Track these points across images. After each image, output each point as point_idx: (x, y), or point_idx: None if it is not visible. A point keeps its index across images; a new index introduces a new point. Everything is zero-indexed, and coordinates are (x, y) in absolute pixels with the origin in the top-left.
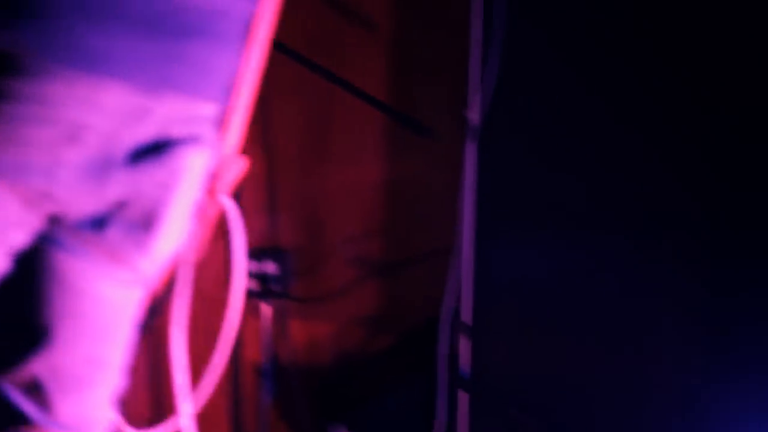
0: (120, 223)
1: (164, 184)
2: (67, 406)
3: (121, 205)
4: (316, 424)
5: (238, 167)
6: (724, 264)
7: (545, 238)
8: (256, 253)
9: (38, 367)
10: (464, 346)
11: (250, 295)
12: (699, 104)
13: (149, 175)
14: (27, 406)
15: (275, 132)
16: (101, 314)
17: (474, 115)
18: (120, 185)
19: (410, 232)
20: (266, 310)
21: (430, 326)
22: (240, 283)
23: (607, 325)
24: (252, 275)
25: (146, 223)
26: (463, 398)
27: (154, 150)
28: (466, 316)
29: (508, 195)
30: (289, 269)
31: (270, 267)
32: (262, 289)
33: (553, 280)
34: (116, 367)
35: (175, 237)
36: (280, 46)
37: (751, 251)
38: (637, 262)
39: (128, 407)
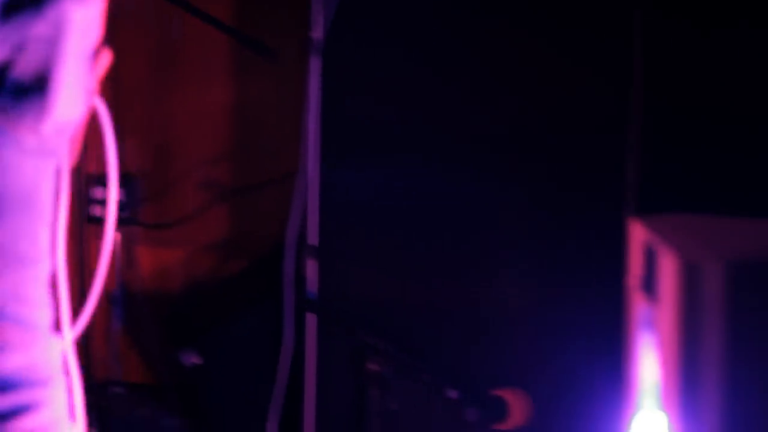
0: (10, 86)
1: (49, 39)
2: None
3: (5, 65)
4: (166, 350)
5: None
6: (555, 195)
7: (389, 160)
8: (102, 179)
9: None
10: (311, 269)
11: (97, 221)
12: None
13: (30, 30)
14: None
15: (120, 57)
16: (17, 186)
17: (317, 36)
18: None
19: (259, 156)
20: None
21: (278, 250)
22: (114, 195)
23: (449, 248)
24: (98, 202)
25: (38, 83)
26: (310, 321)
27: (31, 2)
28: (313, 238)
29: (352, 117)
30: (136, 195)
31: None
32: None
33: (398, 202)
34: (44, 244)
35: (73, 98)
36: None
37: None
38: (478, 187)
39: None
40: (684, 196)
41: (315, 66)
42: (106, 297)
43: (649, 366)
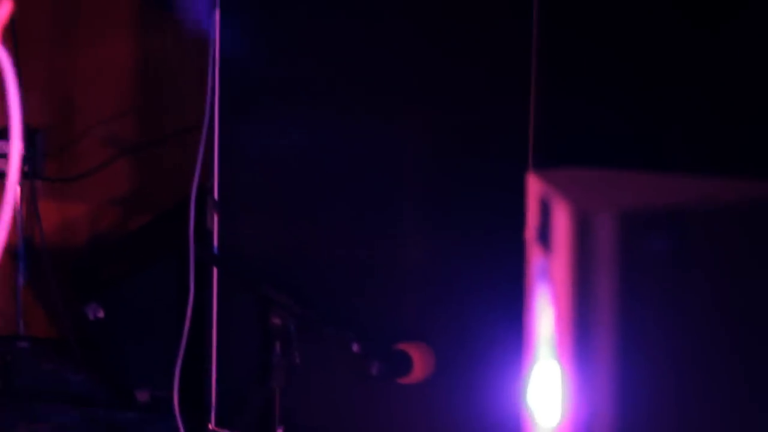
0: None
1: None
2: None
3: None
4: (70, 304)
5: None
6: (457, 147)
7: (290, 112)
8: (3, 132)
9: None
10: (214, 223)
11: (2, 176)
12: None
13: None
14: None
15: (22, 8)
16: None
17: None
18: None
19: (162, 110)
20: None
21: (182, 205)
22: (17, 148)
23: (350, 201)
24: (0, 155)
25: None
26: (213, 275)
27: None
28: (215, 192)
29: (254, 69)
30: (39, 149)
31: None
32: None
33: (299, 154)
34: None
35: None
36: None
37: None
38: (377, 139)
39: None
40: (580, 150)
41: (216, 19)
42: (9, 252)
43: (546, 318)
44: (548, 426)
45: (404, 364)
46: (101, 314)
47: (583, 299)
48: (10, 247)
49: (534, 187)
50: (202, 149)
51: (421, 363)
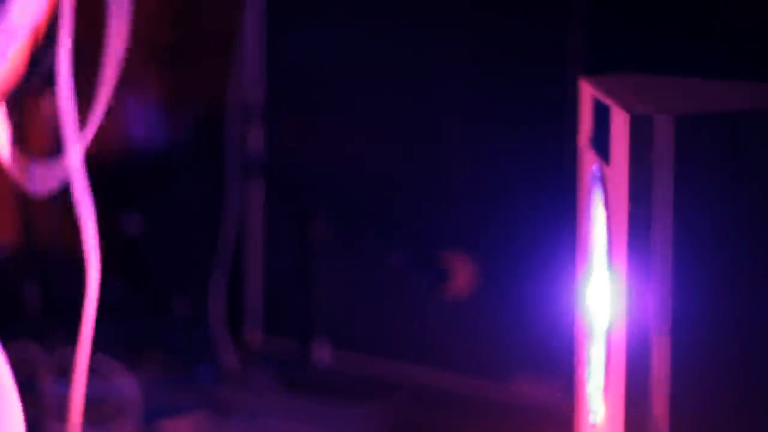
0: None
1: None
2: None
3: None
4: (107, 211)
5: None
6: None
7: (335, 20)
8: (41, 43)
9: None
10: (256, 133)
11: (32, 90)
12: None
13: None
14: None
15: None
16: None
17: None
18: None
19: (201, 15)
20: (49, 104)
21: (222, 114)
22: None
23: (396, 110)
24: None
25: None
26: (255, 185)
27: None
28: (258, 99)
29: None
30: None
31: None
32: (42, 80)
33: (345, 62)
34: None
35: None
36: None
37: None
38: (423, 48)
39: None
40: (631, 56)
41: None
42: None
43: (600, 224)
44: (603, 331)
45: (447, 274)
46: (140, 224)
47: (640, 205)
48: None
49: (586, 92)
50: (241, 56)
51: (465, 274)
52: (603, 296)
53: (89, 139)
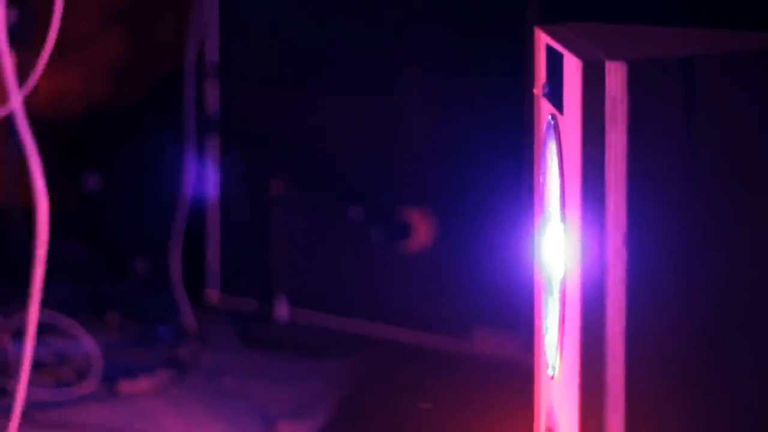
0: None
1: None
2: None
3: None
4: (66, 174)
5: None
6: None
7: None
8: None
9: None
10: (211, 89)
11: None
12: None
13: None
14: None
15: None
16: None
17: None
18: None
19: None
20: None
21: (178, 73)
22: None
23: (350, 65)
24: None
25: None
26: (212, 143)
27: None
28: (212, 58)
29: None
30: (30, 18)
31: (11, 16)
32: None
33: (297, 19)
34: None
35: None
36: None
37: None
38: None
39: None
40: (587, 6)
41: None
42: (1, 122)
43: (554, 177)
44: (557, 281)
45: (405, 228)
46: (98, 184)
47: (594, 150)
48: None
49: (541, 41)
50: (198, 16)
51: (422, 227)
52: (558, 248)
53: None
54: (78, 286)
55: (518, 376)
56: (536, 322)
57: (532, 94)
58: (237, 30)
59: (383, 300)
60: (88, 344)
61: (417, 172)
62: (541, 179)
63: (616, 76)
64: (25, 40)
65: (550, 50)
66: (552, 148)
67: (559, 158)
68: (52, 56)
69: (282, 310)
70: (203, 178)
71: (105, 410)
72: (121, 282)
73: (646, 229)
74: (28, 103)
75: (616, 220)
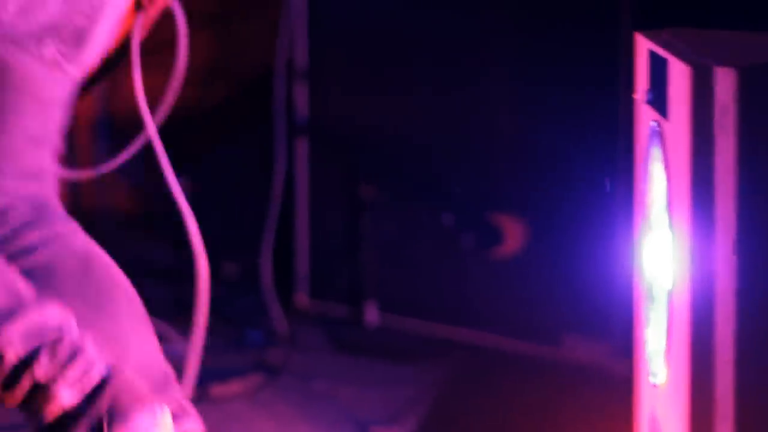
0: (54, 41)
1: (93, 7)
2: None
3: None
4: (153, 176)
5: None
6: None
7: None
8: None
9: None
10: (300, 93)
11: None
12: None
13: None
14: None
15: None
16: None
17: None
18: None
19: None
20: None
21: (265, 75)
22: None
23: (441, 68)
24: None
25: (78, 40)
26: (301, 146)
27: None
28: (302, 62)
29: None
30: None
31: None
32: None
33: (387, 22)
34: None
35: (101, 47)
36: None
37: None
38: (472, 5)
39: None
40: (682, 11)
41: None
42: (90, 126)
43: (659, 183)
44: (664, 291)
45: (496, 234)
46: (187, 187)
47: (703, 157)
48: (90, 121)
49: (642, 47)
50: (287, 17)
51: (513, 234)
52: (663, 256)
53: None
54: (167, 289)
55: (609, 384)
56: (636, 329)
57: (626, 100)
58: (326, 32)
59: (474, 306)
60: (180, 348)
61: (508, 177)
62: (642, 186)
63: (725, 82)
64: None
65: (653, 56)
66: (656, 154)
67: (664, 165)
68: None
69: (372, 314)
70: (293, 181)
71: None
72: (212, 286)
73: (756, 237)
74: (114, 106)
75: (726, 227)
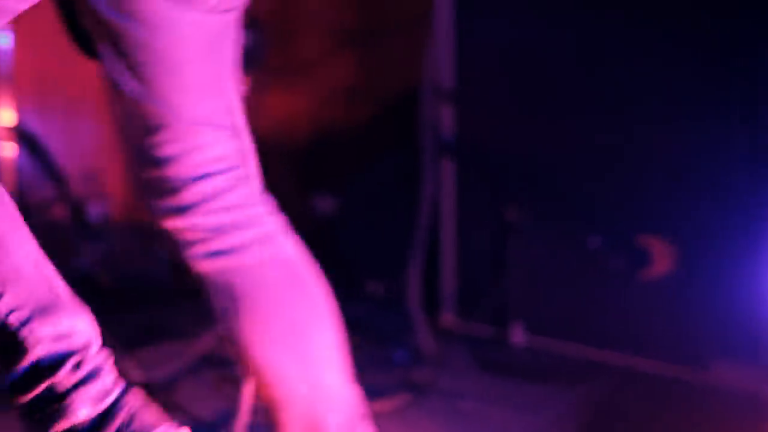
0: None
1: None
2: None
3: None
4: (299, 194)
5: None
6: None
7: (527, 2)
8: None
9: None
10: (447, 115)
11: None
12: None
13: None
14: None
15: None
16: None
17: None
18: None
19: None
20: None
21: (409, 96)
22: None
23: (587, 93)
24: None
25: None
26: (447, 168)
27: None
28: (448, 82)
29: None
30: (261, 41)
31: (243, 39)
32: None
33: (538, 47)
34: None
35: None
36: None
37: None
38: (615, 30)
39: None
40: None
41: None
42: None
43: None
44: None
45: (644, 257)
46: (331, 206)
47: None
48: None
49: None
50: (434, 39)
51: (661, 257)
52: None
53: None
54: None
55: (759, 408)
56: None
57: None
58: (473, 54)
59: (621, 328)
60: None
61: (657, 200)
62: None
63: None
64: (257, 63)
65: None
66: None
67: None
68: (283, 78)
69: (518, 335)
70: (439, 202)
71: None
72: (355, 304)
73: None
74: (257, 125)
75: None
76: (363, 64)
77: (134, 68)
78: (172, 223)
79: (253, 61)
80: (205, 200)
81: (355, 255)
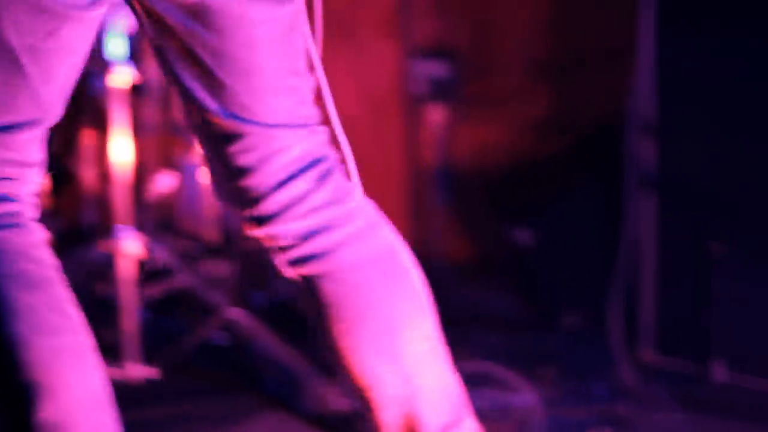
0: None
1: None
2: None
3: None
4: (497, 226)
5: None
6: None
7: (734, 30)
8: (426, 54)
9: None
10: (648, 146)
11: (422, 98)
12: None
13: None
14: None
15: None
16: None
17: None
18: None
19: (581, 31)
20: (437, 113)
21: (606, 128)
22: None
23: None
24: (423, 78)
25: None
26: (647, 201)
27: None
28: (650, 115)
29: None
30: (459, 72)
31: (440, 70)
32: (433, 91)
33: (747, 72)
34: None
35: None
36: None
37: None
38: None
39: None
40: None
41: None
42: (429, 175)
43: None
44: None
45: None
46: (528, 238)
47: None
48: (429, 170)
49: None
50: (637, 69)
51: None
52: None
53: None
54: (508, 338)
55: None
56: None
57: None
58: (676, 87)
59: None
60: (529, 397)
61: None
62: None
63: None
64: (453, 94)
65: None
66: None
67: None
68: (478, 110)
69: (720, 372)
70: (640, 235)
71: None
72: (552, 336)
73: None
74: (454, 156)
75: None
76: (562, 96)
77: (205, 75)
78: (260, 232)
79: (448, 92)
80: (289, 206)
81: (552, 287)
